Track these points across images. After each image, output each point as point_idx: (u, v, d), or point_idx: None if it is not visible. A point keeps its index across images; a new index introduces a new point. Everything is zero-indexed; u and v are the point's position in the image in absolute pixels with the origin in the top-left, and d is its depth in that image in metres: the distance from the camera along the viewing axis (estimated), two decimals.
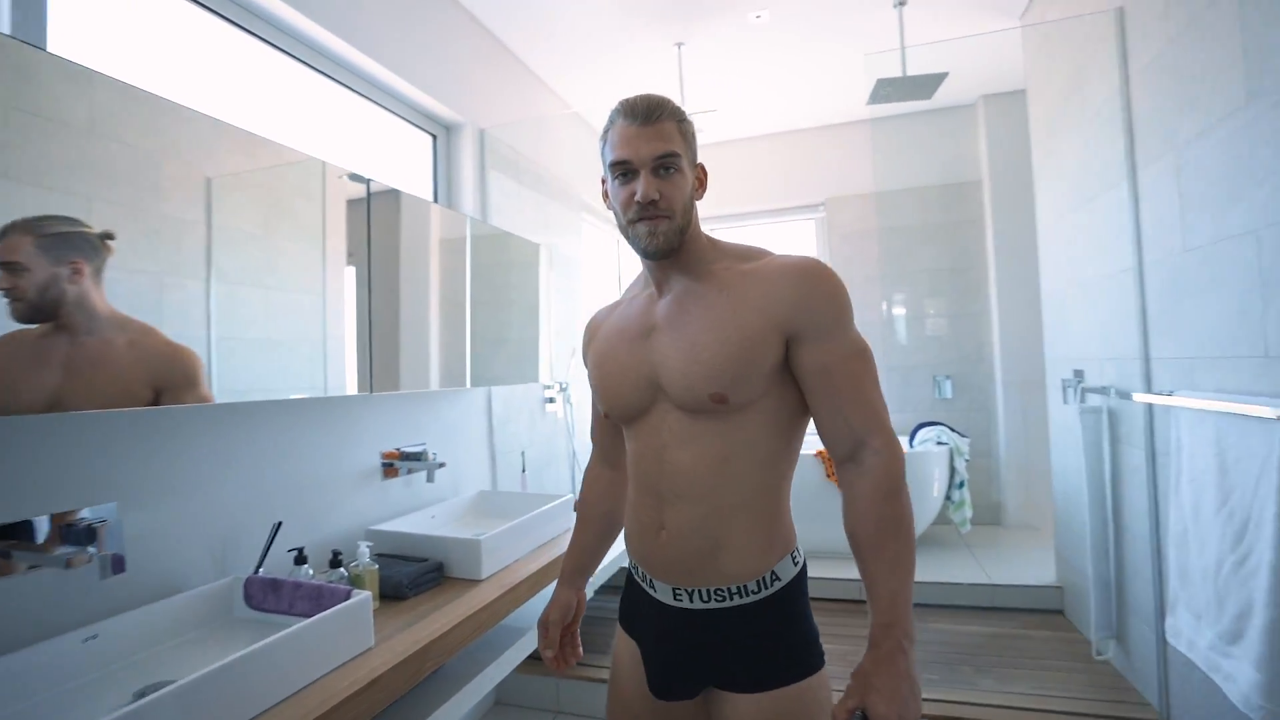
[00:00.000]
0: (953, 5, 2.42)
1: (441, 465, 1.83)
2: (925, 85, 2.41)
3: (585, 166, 3.51)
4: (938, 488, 3.03)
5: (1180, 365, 1.58)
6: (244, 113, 1.51)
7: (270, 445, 1.44)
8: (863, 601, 0.83)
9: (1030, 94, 2.49)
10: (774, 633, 0.87)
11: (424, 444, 1.97)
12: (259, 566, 1.26)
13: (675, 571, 0.90)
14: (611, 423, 1.06)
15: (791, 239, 4.00)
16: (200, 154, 1.14)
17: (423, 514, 1.81)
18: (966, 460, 3.06)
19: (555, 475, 2.91)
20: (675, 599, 0.90)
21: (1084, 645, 2.18)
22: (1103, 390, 1.94)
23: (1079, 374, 2.12)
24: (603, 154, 0.90)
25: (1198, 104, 1.44)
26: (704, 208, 3.95)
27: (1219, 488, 1.34)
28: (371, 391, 1.56)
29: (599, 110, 3.34)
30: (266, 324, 1.28)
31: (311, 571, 1.33)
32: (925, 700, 1.87)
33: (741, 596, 0.87)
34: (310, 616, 1.13)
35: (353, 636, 1.10)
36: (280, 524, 1.33)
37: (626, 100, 0.88)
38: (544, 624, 1.07)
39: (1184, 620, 1.49)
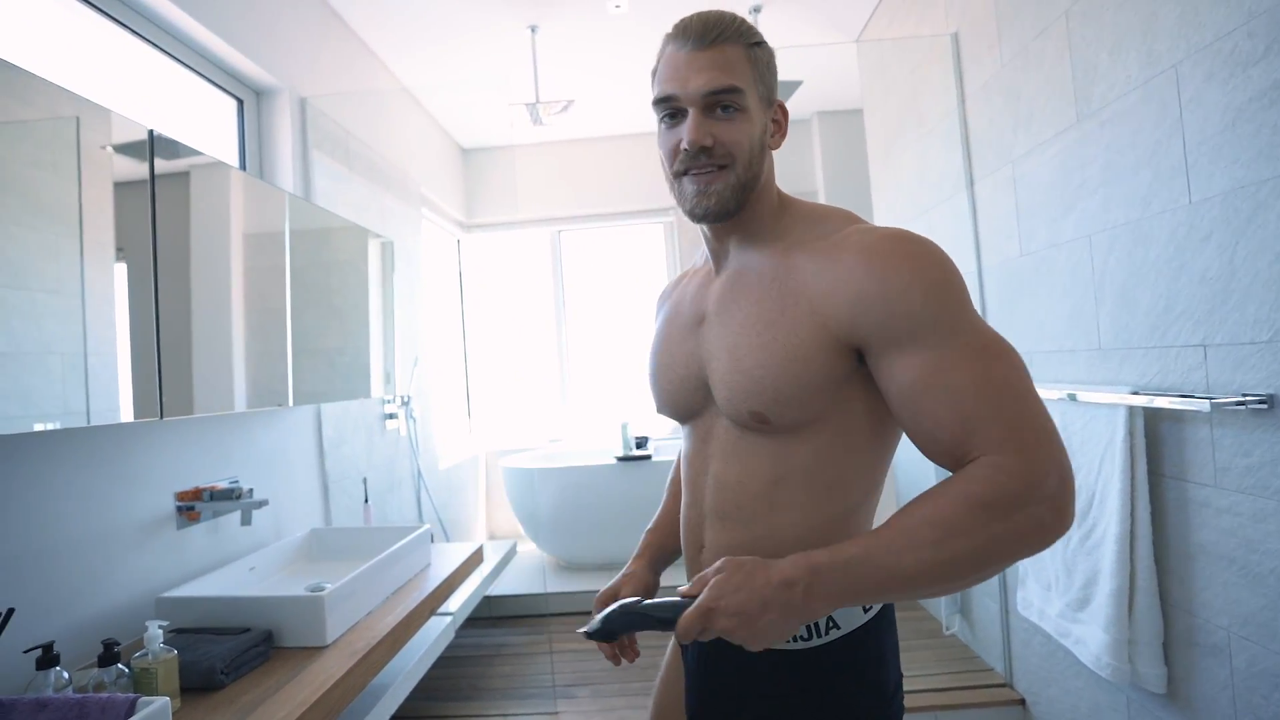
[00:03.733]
0: (799, 20, 2.53)
1: (262, 504, 1.47)
2: (781, 91, 2.48)
3: (424, 157, 3.17)
4: None
5: None
6: None
7: None
8: None
9: (866, 111, 2.67)
10: (826, 686, 0.71)
11: (236, 478, 1.58)
12: None
13: None
14: None
15: (641, 243, 3.98)
16: None
17: (237, 567, 1.44)
18: None
19: (400, 502, 2.56)
20: None
21: (932, 623, 2.36)
22: None
23: None
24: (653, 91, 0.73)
25: (1031, 122, 1.59)
26: (557, 206, 3.78)
27: None
28: (162, 416, 1.18)
29: (439, 93, 3.03)
30: None
31: (67, 676, 0.95)
32: None
33: (790, 642, 0.71)
34: None
35: None
36: (11, 611, 0.93)
37: (682, 19, 0.70)
38: (607, 601, 0.84)
39: (1034, 592, 1.62)
